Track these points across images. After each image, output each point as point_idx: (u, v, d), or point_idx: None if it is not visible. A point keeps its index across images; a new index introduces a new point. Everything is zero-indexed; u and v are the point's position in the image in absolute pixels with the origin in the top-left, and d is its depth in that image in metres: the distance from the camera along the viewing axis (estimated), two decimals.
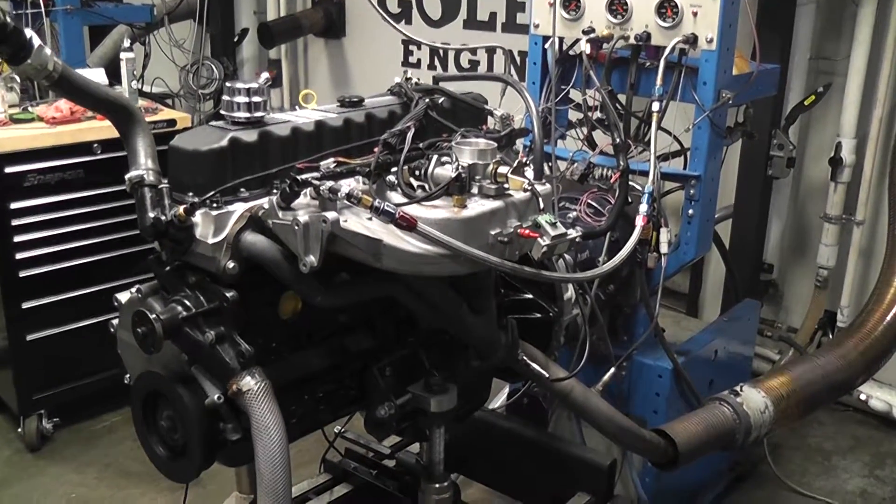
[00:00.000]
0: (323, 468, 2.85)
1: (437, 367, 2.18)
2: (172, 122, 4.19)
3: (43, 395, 4.03)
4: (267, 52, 6.42)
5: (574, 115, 3.24)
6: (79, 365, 4.05)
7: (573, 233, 1.91)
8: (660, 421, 3.02)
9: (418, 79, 2.35)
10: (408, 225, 1.74)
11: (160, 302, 1.88)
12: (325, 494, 2.75)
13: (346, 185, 1.78)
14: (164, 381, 1.86)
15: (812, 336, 4.43)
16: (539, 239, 1.86)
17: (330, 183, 1.77)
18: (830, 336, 4.38)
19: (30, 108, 4.04)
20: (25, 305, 3.90)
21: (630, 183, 2.86)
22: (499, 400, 3.36)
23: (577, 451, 2.77)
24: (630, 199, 2.83)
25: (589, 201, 2.94)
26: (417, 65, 5.57)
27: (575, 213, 2.93)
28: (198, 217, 1.81)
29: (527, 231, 1.87)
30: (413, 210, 1.80)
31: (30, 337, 3.94)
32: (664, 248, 2.90)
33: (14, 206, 3.78)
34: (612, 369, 2.87)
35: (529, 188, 1.90)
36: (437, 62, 5.53)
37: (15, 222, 3.79)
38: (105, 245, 4.03)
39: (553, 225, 1.88)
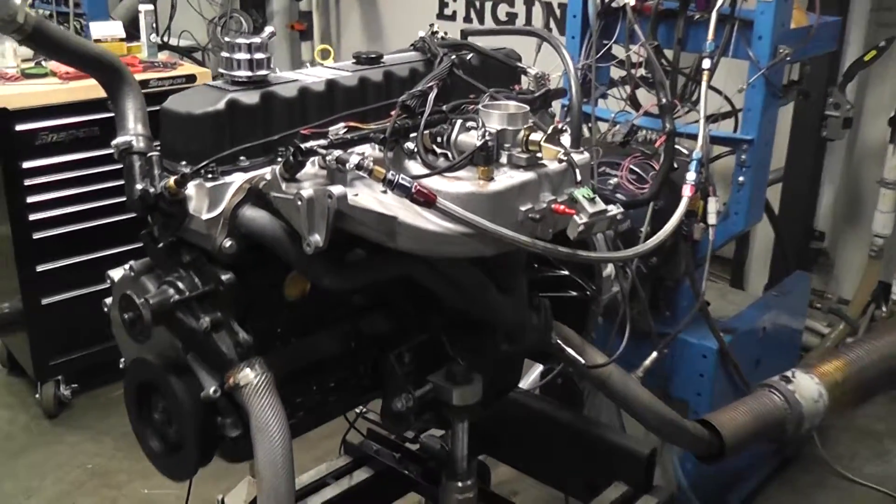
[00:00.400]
0: (343, 450, 2.69)
1: (461, 354, 1.98)
2: (192, 78, 4.00)
3: (60, 360, 3.94)
4: (297, 4, 6.29)
5: (616, 73, 3.06)
6: (96, 330, 3.89)
7: (614, 209, 1.67)
8: (703, 404, 2.84)
9: (445, 32, 2.12)
10: (426, 200, 1.52)
11: (154, 282, 1.70)
12: (345, 479, 2.58)
13: (357, 154, 1.57)
14: (156, 370, 1.68)
15: (864, 309, 4.20)
16: (575, 216, 1.63)
17: (337, 152, 1.56)
18: (884, 309, 4.15)
19: (43, 63, 3.87)
20: (40, 268, 3.78)
21: (676, 147, 2.65)
22: (530, 377, 3.17)
23: (614, 438, 2.58)
24: (676, 165, 2.63)
25: (631, 167, 2.73)
26: (453, 17, 5.39)
27: (616, 180, 2.72)
28: (191, 189, 1.61)
29: (562, 207, 1.64)
30: (433, 183, 1.59)
31: (45, 300, 3.83)
32: (712, 219, 2.70)
33: (27, 165, 3.66)
34: (655, 353, 2.67)
35: (565, 158, 1.67)
36: (473, 15, 5.33)
37: (28, 182, 3.67)
38: (122, 206, 3.87)
39: (591, 200, 1.65)
